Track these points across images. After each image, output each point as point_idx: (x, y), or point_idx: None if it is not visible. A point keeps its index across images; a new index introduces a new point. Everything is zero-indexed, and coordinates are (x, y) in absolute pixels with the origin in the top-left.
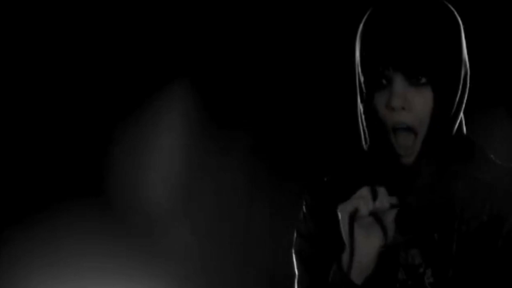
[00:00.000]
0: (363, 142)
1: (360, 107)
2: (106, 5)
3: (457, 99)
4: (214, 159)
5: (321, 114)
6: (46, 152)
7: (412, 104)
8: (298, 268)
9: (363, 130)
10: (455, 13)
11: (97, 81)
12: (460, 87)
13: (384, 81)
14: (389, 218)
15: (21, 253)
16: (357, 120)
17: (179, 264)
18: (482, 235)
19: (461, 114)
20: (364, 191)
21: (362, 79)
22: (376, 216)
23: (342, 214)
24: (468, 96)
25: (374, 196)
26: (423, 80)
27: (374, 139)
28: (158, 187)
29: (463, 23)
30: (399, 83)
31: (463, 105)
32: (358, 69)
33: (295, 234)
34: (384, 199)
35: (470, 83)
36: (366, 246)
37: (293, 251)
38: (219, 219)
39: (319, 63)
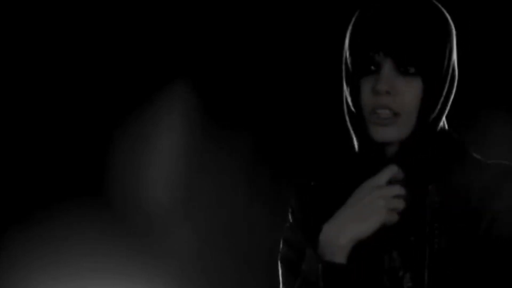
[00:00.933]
0: (351, 130)
1: (346, 92)
2: (106, 5)
3: (443, 96)
4: (214, 159)
5: (322, 115)
6: (46, 152)
7: (397, 90)
8: (283, 276)
9: (350, 118)
10: (448, 16)
11: (97, 81)
12: (447, 85)
13: (372, 67)
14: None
15: (21, 253)
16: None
17: (179, 264)
18: (459, 235)
19: (445, 112)
20: (394, 168)
21: (350, 63)
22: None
23: (366, 186)
24: (461, 95)
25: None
26: (412, 70)
27: (357, 127)
28: (158, 187)
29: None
30: (387, 69)
31: (448, 106)
32: (347, 53)
33: (281, 242)
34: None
35: (457, 87)
36: (373, 222)
37: (278, 259)
38: (219, 219)
39: (319, 63)
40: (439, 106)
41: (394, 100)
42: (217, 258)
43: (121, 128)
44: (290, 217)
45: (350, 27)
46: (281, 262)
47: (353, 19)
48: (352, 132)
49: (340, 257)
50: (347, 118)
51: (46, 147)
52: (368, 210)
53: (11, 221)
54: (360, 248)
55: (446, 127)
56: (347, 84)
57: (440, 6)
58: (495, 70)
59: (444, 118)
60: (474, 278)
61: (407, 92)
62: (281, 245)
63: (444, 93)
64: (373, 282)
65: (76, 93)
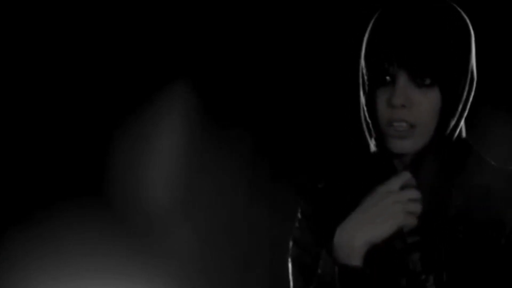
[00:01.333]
0: (368, 138)
1: (362, 101)
2: (106, 5)
3: (461, 104)
4: (214, 159)
5: (322, 115)
6: (46, 152)
7: (413, 102)
8: (293, 276)
9: (366, 126)
10: (467, 19)
11: (97, 81)
12: (465, 93)
13: (388, 78)
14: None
15: (21, 253)
16: (356, 122)
17: (179, 264)
18: (481, 240)
19: (463, 119)
20: (407, 175)
21: (365, 73)
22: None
23: (382, 190)
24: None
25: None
26: (428, 81)
27: (375, 136)
28: (158, 187)
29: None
30: (402, 81)
31: (466, 111)
32: (362, 62)
33: (290, 242)
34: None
35: (475, 91)
36: (390, 226)
37: (288, 258)
38: (219, 219)
39: (320, 63)
40: (458, 114)
41: (410, 113)
42: (217, 258)
43: (121, 128)
44: (299, 217)
45: (366, 35)
46: (291, 263)
47: (370, 25)
48: (368, 139)
49: (355, 260)
50: (363, 125)
51: (46, 147)
52: (384, 214)
53: (11, 221)
54: (376, 251)
55: (464, 134)
56: (363, 93)
57: (458, 9)
58: (495, 69)
59: (462, 123)
60: (493, 281)
61: (424, 104)
62: (290, 245)
63: (462, 100)
64: (391, 285)
65: (76, 93)
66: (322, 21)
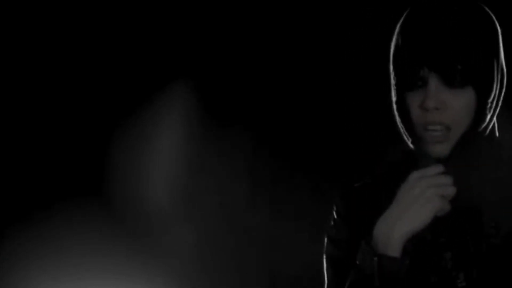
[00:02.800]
0: (405, 139)
1: (394, 106)
2: (106, 5)
3: (493, 101)
4: (214, 159)
5: (322, 115)
6: (46, 152)
7: (446, 104)
8: (328, 273)
9: (402, 129)
10: (493, 17)
11: (97, 81)
12: (497, 90)
13: (419, 83)
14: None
15: (21, 253)
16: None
17: (179, 264)
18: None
19: (495, 116)
20: (440, 167)
21: (394, 77)
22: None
23: (413, 177)
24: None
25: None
26: (459, 82)
27: (412, 140)
28: (158, 187)
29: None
30: (434, 84)
31: (498, 108)
32: (391, 67)
33: (325, 239)
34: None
35: (506, 86)
36: (426, 212)
37: (324, 256)
38: (219, 219)
39: (320, 63)
40: (491, 111)
41: (444, 115)
42: (217, 258)
43: (121, 128)
44: (334, 215)
45: (393, 38)
46: (326, 260)
47: (397, 28)
48: (406, 139)
49: (393, 251)
50: (400, 127)
51: (46, 147)
52: (419, 200)
53: (11, 221)
54: (416, 243)
55: (497, 132)
56: (394, 96)
57: (484, 7)
58: None
59: (496, 123)
60: None
61: (457, 105)
62: (325, 242)
63: (495, 100)
64: (425, 279)
65: (76, 93)
66: (321, 21)
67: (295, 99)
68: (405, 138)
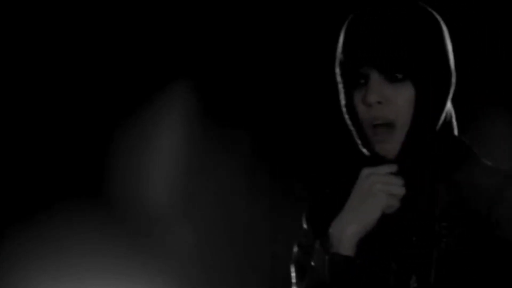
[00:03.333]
0: (356, 141)
1: (343, 108)
2: (106, 5)
3: (439, 97)
4: (214, 159)
5: (322, 115)
6: (46, 152)
7: (389, 98)
8: (294, 279)
9: (353, 131)
10: (437, 16)
11: (97, 81)
12: (442, 86)
13: (362, 80)
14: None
15: (21, 253)
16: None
17: (179, 264)
18: (466, 238)
19: (452, 115)
20: (393, 166)
21: (340, 80)
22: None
23: (364, 174)
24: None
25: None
26: (400, 76)
27: (362, 141)
28: (158, 187)
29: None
30: (374, 79)
31: (446, 105)
32: (337, 70)
33: (295, 247)
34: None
35: (456, 85)
36: (373, 208)
37: (292, 264)
38: (219, 219)
39: (320, 63)
40: (433, 108)
41: (387, 110)
42: (217, 258)
43: (121, 128)
44: (304, 223)
45: (338, 42)
46: (293, 265)
47: (341, 33)
48: (358, 142)
49: (346, 249)
50: (351, 129)
51: (46, 147)
52: (368, 196)
53: (11, 221)
54: (368, 243)
55: (456, 132)
56: (343, 99)
57: (427, 8)
58: (495, 69)
59: (455, 123)
60: (478, 279)
61: (399, 99)
62: (294, 250)
63: (438, 95)
64: (379, 279)
65: (76, 93)
66: (321, 22)
67: (295, 99)
68: (356, 140)
